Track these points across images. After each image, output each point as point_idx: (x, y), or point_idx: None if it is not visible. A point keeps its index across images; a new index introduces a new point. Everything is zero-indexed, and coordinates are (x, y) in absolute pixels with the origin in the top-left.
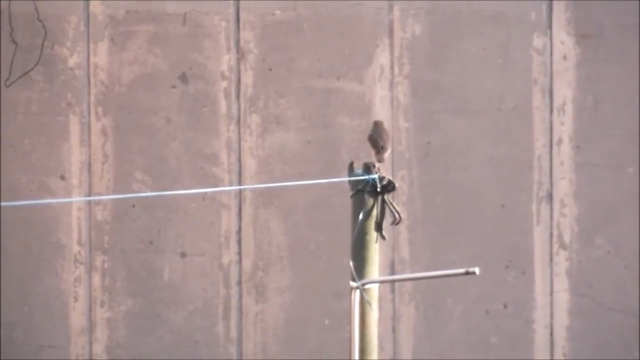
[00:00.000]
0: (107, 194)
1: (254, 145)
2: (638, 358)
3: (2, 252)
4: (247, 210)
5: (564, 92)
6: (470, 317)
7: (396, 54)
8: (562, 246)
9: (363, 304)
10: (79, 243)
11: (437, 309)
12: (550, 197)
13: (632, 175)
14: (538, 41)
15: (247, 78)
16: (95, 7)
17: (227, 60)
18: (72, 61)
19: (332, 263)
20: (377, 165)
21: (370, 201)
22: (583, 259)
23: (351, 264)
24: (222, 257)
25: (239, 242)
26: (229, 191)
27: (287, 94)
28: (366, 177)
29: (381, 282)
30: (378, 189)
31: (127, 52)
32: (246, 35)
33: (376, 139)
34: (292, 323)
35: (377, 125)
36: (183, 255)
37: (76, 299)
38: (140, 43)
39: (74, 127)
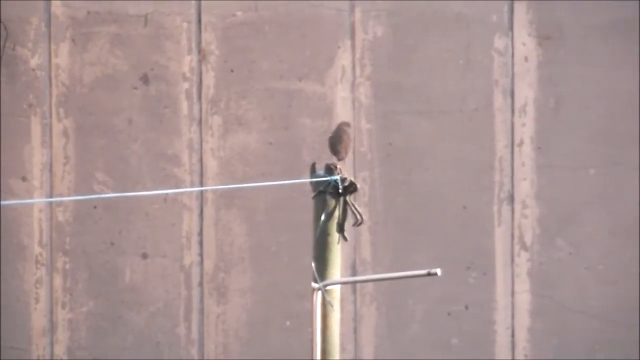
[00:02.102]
0: (68, 195)
1: (216, 146)
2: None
3: None
4: (209, 211)
5: (526, 93)
6: (432, 318)
7: (358, 55)
8: (524, 247)
9: (325, 305)
10: (40, 244)
11: (399, 310)
12: (511, 198)
13: (594, 177)
14: (499, 42)
15: (209, 79)
16: (57, 8)
17: (188, 62)
18: (34, 62)
19: (293, 264)
20: (338, 166)
21: (332, 202)
22: (544, 260)
23: (313, 265)
24: (184, 259)
25: (201, 243)
26: (191, 192)
27: (249, 95)
28: (328, 178)
29: (343, 283)
30: (340, 190)
31: (89, 53)
32: (207, 36)
33: (334, 143)
34: (253, 324)
35: (339, 129)
36: (144, 256)
37: (37, 300)
38: (101, 44)
39: (35, 128)
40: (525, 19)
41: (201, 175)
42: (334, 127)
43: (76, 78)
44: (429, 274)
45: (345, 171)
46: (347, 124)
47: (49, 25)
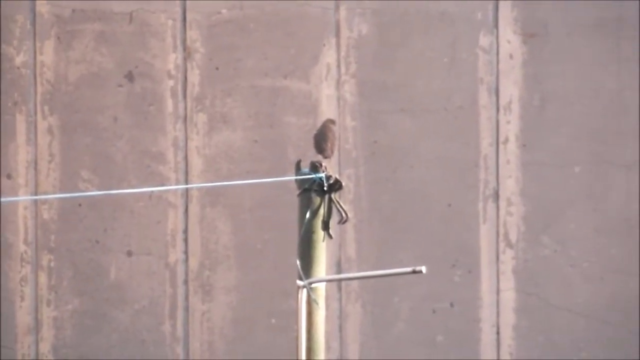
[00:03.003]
0: (53, 193)
1: (201, 144)
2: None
3: None
4: (194, 209)
5: (510, 91)
6: (417, 315)
7: (343, 53)
8: (509, 245)
9: (310, 302)
10: (26, 242)
11: (384, 307)
12: (496, 195)
13: (579, 174)
14: (484, 40)
15: (194, 77)
16: (42, 6)
17: (173, 59)
18: (19, 60)
19: (279, 262)
20: (323, 164)
21: (317, 200)
22: (529, 258)
23: (298, 262)
24: (169, 256)
25: (186, 240)
26: (176, 190)
27: (234, 93)
28: (313, 176)
29: (328, 281)
30: (325, 188)
31: (74, 51)
32: (193, 34)
33: (319, 141)
34: (238, 322)
35: (325, 126)
36: (129, 254)
37: (22, 298)
38: (86, 42)
39: (20, 126)
40: (510, 17)
41: (186, 173)
42: (319, 125)
43: (61, 76)
44: (414, 272)
45: (330, 169)
46: (332, 121)
47: (34, 23)
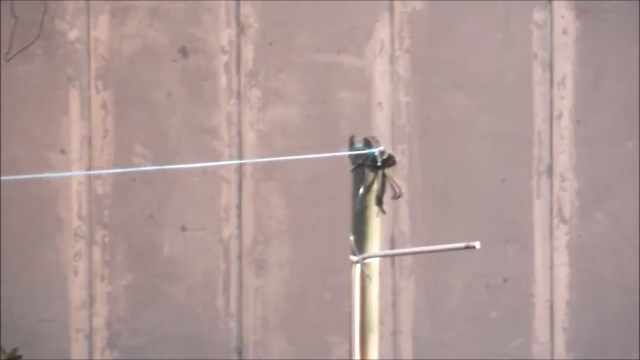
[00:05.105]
0: (107, 168)
1: (254, 119)
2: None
3: (1, 227)
4: (247, 184)
5: (564, 66)
6: (470, 291)
7: (396, 29)
8: (562, 220)
9: (363, 278)
10: (79, 217)
11: (437, 283)
12: (550, 171)
13: (632, 149)
14: (538, 15)
15: (247, 52)
16: None
17: (227, 35)
18: (72, 35)
19: (332, 237)
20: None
21: (370, 175)
22: (583, 233)
23: (351, 238)
24: (222, 231)
25: (239, 216)
26: (230, 165)
27: (287, 69)
28: (366, 151)
29: (381, 256)
30: (378, 164)
31: (127, 26)
32: (246, 9)
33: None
34: (292, 297)
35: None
36: (183, 229)
37: (76, 273)
38: (140, 17)
39: (74, 101)
40: None
41: (240, 148)
42: (372, 100)
43: (115, 51)
44: (467, 247)
45: (383, 144)
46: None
47: None
